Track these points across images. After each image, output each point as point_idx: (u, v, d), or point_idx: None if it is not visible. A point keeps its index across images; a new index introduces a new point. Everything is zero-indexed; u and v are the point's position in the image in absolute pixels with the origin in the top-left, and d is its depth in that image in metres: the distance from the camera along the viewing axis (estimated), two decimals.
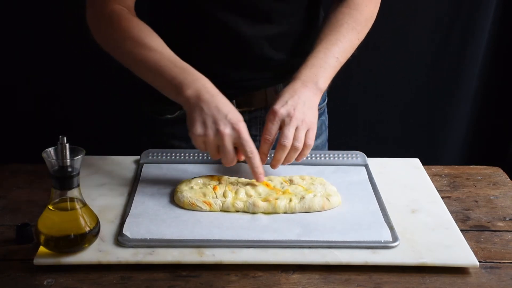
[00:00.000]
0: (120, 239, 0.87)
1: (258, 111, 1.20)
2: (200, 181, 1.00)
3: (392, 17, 1.78)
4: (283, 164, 1.01)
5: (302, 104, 1.01)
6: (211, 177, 1.02)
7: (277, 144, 1.00)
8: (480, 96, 1.93)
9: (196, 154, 1.12)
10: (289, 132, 0.98)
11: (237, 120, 0.96)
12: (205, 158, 1.12)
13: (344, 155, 1.13)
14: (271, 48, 1.14)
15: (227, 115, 0.96)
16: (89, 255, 0.85)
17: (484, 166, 1.17)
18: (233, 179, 1.01)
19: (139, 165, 1.09)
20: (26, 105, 1.82)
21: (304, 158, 1.03)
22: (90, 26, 1.08)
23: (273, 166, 1.02)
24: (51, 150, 0.83)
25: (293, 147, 0.99)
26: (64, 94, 1.82)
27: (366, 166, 1.11)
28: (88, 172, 1.06)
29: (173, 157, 1.12)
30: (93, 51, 1.69)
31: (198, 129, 0.96)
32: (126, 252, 0.85)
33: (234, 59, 1.14)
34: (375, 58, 1.82)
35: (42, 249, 0.85)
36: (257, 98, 1.18)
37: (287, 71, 1.17)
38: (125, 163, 1.11)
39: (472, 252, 0.87)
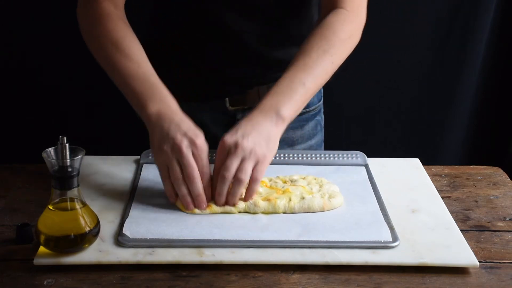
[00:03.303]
0: (120, 239, 0.87)
1: (251, 109, 1.20)
2: None
3: (392, 17, 1.78)
4: (229, 202, 0.93)
5: (256, 134, 0.93)
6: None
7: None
8: (480, 96, 1.93)
9: None
10: (231, 163, 0.91)
11: (196, 135, 0.92)
12: None
13: (344, 155, 1.13)
14: (264, 45, 1.14)
15: (186, 132, 0.92)
16: (89, 255, 0.85)
17: (484, 166, 1.17)
18: None
19: (139, 165, 1.09)
20: (26, 105, 1.82)
21: (254, 196, 0.94)
22: (79, 22, 1.08)
23: (216, 201, 0.94)
24: (51, 150, 0.83)
25: (237, 179, 0.91)
26: (64, 94, 1.82)
27: (366, 166, 1.11)
28: (88, 172, 1.06)
29: None
30: None
31: (157, 146, 0.93)
32: (126, 252, 0.85)
33: (227, 55, 1.14)
34: (375, 57, 1.82)
35: (42, 249, 0.85)
36: (250, 96, 1.18)
37: (281, 69, 1.17)
38: (125, 163, 1.11)
39: (472, 252, 0.87)
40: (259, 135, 0.94)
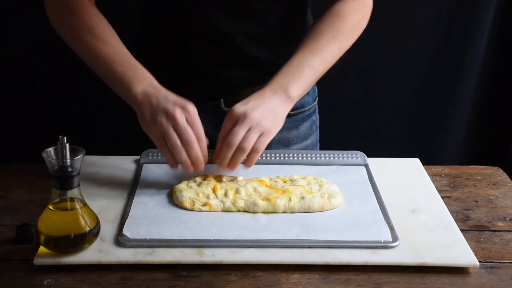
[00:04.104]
0: (120, 239, 0.87)
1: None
2: (198, 180, 1.00)
3: (392, 17, 1.78)
4: (230, 167, 0.98)
5: (264, 108, 0.98)
6: (210, 176, 1.02)
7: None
8: (480, 96, 1.93)
9: None
10: (238, 131, 0.95)
11: (185, 102, 0.96)
12: None
13: (344, 155, 1.13)
14: (257, 46, 1.14)
15: (175, 101, 0.96)
16: (89, 255, 0.85)
17: (484, 166, 1.17)
18: (232, 178, 1.01)
19: (139, 165, 1.09)
20: (26, 105, 1.82)
21: (252, 164, 0.98)
22: (49, 13, 1.09)
23: (218, 162, 0.98)
24: (51, 150, 0.83)
25: (240, 147, 0.95)
26: (64, 94, 1.82)
27: (366, 166, 1.11)
28: (88, 172, 1.06)
29: None
30: None
31: (149, 121, 0.96)
32: (126, 252, 0.85)
33: (220, 57, 1.14)
34: (375, 57, 1.82)
35: (42, 249, 0.85)
36: (244, 96, 1.18)
37: (274, 70, 1.17)
38: (125, 163, 1.11)
39: (472, 252, 0.87)
40: (267, 110, 0.98)
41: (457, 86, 1.89)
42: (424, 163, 1.15)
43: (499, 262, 0.88)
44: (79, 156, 0.83)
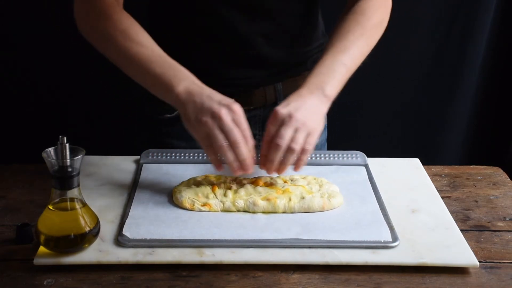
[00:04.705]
0: (120, 239, 0.87)
1: (258, 109, 1.20)
2: (198, 179, 1.00)
3: (393, 17, 1.78)
4: (279, 170, 0.96)
5: (307, 108, 0.97)
6: (210, 176, 1.02)
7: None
8: (480, 96, 1.93)
9: (196, 154, 1.12)
10: (286, 132, 0.94)
11: (230, 102, 0.94)
12: (205, 158, 1.12)
13: (344, 155, 1.13)
14: (268, 46, 1.14)
15: (220, 100, 0.94)
16: (89, 255, 0.85)
17: (484, 166, 1.17)
18: (232, 178, 1.01)
19: (139, 165, 1.09)
20: (26, 105, 1.82)
21: (302, 167, 0.97)
22: (77, 16, 1.07)
23: (266, 168, 0.96)
24: (51, 150, 0.83)
25: (289, 149, 0.94)
26: (64, 94, 1.82)
27: (366, 166, 1.11)
28: (88, 172, 1.06)
29: (173, 157, 1.12)
30: (93, 51, 1.69)
31: (194, 120, 0.94)
32: (126, 252, 0.85)
33: (232, 56, 1.14)
34: (375, 57, 1.82)
35: (42, 249, 0.85)
36: (256, 96, 1.18)
37: (285, 69, 1.17)
38: (125, 163, 1.11)
39: (472, 252, 0.87)
40: (309, 110, 0.97)
41: (457, 86, 1.89)
42: (424, 163, 1.15)
43: (499, 262, 0.88)
44: (79, 156, 0.83)
